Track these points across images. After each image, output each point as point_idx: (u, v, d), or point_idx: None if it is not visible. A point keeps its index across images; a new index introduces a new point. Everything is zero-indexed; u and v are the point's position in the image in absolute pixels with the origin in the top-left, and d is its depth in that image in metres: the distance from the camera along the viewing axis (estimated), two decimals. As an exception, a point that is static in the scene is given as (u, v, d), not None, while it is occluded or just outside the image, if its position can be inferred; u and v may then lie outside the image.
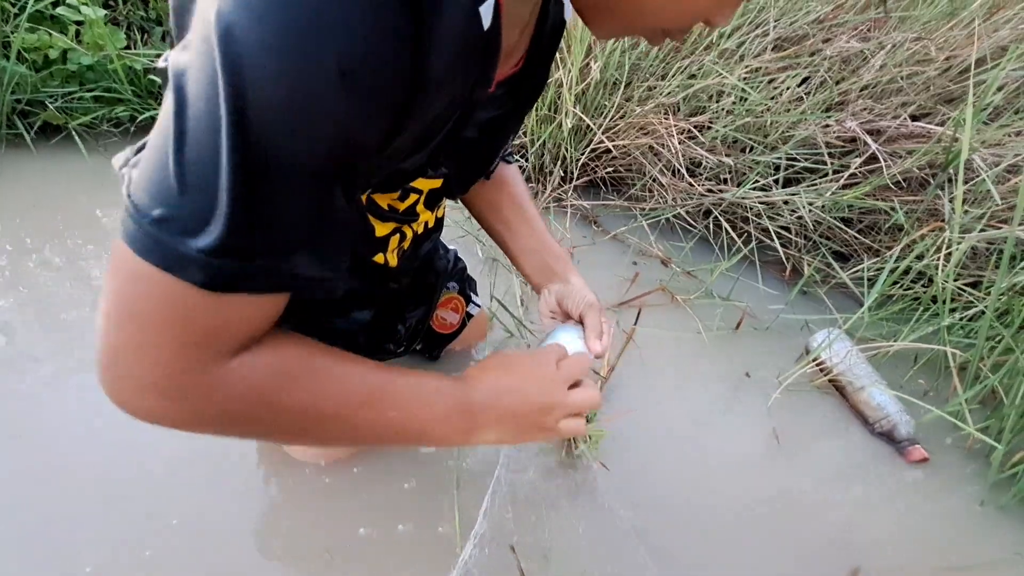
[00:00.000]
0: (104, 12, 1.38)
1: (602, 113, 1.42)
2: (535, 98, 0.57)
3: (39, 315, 0.98)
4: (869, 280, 1.19)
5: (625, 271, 1.30)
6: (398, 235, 0.61)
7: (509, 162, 0.74)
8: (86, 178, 1.30)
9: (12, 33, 1.30)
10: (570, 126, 1.35)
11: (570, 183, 1.43)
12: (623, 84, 1.38)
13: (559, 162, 1.43)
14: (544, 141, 1.41)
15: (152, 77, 1.42)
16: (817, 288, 1.28)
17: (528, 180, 1.48)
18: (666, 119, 1.32)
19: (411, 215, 0.60)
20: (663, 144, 1.35)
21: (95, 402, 0.84)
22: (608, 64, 1.36)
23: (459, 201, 0.73)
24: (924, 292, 1.13)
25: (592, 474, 0.85)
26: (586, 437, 0.85)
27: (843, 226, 1.29)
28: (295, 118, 0.29)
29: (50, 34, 1.32)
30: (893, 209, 1.23)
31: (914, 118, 1.33)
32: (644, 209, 1.41)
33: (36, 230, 1.14)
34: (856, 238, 1.30)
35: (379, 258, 0.61)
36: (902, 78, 1.35)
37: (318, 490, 0.78)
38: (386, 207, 0.57)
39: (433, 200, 0.62)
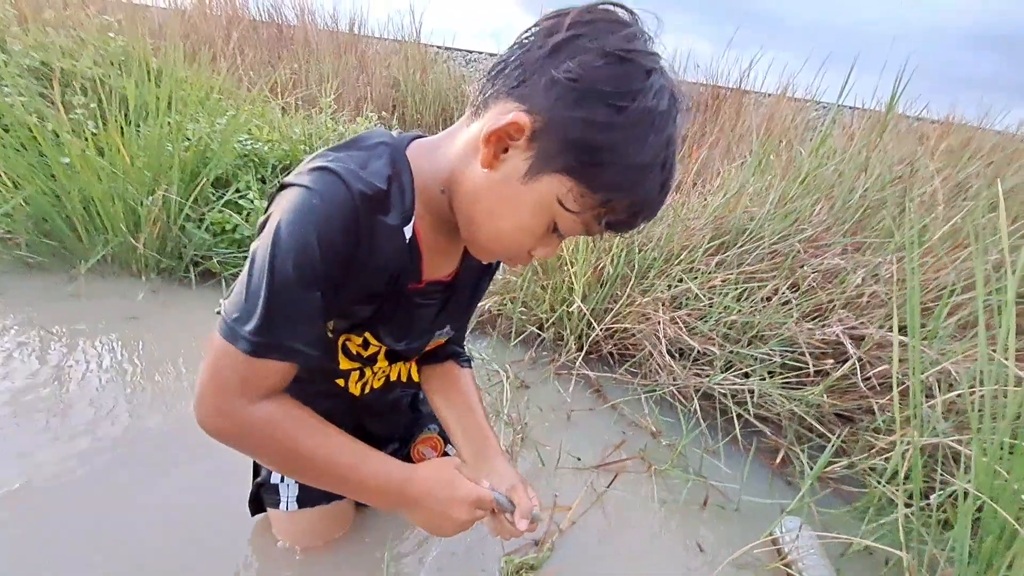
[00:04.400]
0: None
1: (616, 300, 1.70)
2: (467, 305, 0.85)
3: (161, 404, 1.36)
4: (847, 473, 1.23)
5: (615, 437, 1.45)
6: (358, 373, 0.82)
7: (463, 366, 0.94)
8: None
9: (207, 212, 1.93)
10: (576, 311, 1.63)
11: (580, 352, 1.66)
12: (634, 277, 1.67)
13: (573, 336, 1.69)
14: (561, 317, 1.70)
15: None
16: (797, 476, 1.33)
17: (544, 350, 1.75)
18: (656, 312, 1.56)
19: (372, 361, 0.81)
20: (657, 333, 1.57)
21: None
22: (617, 261, 1.67)
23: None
24: (892, 490, 1.16)
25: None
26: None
27: (818, 419, 1.37)
28: (295, 265, 0.56)
29: (231, 215, 1.93)
30: (870, 411, 1.30)
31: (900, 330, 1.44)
32: (641, 384, 1.59)
33: (175, 345, 1.59)
34: (820, 432, 1.36)
35: (340, 382, 0.81)
36: (886, 295, 1.50)
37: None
38: (353, 351, 0.78)
39: (393, 356, 0.83)
